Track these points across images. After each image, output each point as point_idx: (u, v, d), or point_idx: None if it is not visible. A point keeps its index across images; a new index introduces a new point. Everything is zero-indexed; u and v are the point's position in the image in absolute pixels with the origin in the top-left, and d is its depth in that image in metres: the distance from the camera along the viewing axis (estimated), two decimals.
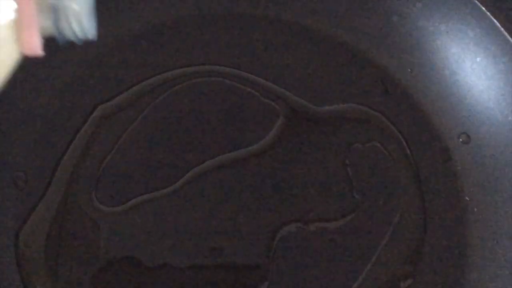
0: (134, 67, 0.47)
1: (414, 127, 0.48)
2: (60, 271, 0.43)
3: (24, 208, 0.44)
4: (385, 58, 0.49)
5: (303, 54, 0.49)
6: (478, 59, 0.48)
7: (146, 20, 0.48)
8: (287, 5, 0.49)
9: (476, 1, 0.47)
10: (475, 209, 0.46)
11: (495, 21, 0.46)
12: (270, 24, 0.49)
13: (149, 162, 0.45)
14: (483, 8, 0.47)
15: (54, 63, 0.45)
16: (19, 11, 0.28)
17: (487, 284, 0.45)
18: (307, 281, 0.44)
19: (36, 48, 0.29)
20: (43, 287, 0.43)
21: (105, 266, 0.44)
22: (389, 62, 0.49)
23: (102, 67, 0.47)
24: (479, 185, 0.47)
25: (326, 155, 0.47)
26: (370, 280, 0.44)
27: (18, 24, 0.28)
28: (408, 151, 0.48)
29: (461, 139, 0.48)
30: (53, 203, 0.44)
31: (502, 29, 0.46)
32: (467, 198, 0.47)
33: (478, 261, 0.45)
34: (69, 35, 0.29)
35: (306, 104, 0.48)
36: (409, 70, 0.49)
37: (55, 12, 0.28)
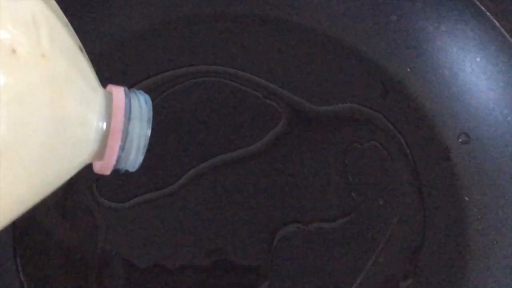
0: (134, 67, 0.47)
1: (414, 127, 0.48)
2: (57, 270, 0.43)
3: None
4: (385, 58, 0.49)
5: (303, 54, 0.49)
6: (478, 59, 0.48)
7: (146, 20, 0.48)
8: (287, 5, 0.50)
9: (476, 1, 0.47)
10: (475, 209, 0.47)
11: (495, 21, 0.46)
12: (270, 24, 0.49)
13: (149, 162, 0.45)
14: (483, 8, 0.47)
15: None
16: (111, 126, 0.29)
17: (487, 284, 0.45)
18: (307, 281, 0.44)
19: (108, 167, 0.30)
20: (42, 285, 0.43)
21: (102, 264, 0.44)
22: (389, 62, 0.49)
23: (102, 67, 0.47)
24: (479, 185, 0.47)
25: (326, 155, 0.47)
26: (370, 280, 0.44)
27: (103, 141, 0.29)
28: (408, 151, 0.48)
29: (461, 139, 0.48)
30: (53, 203, 0.44)
31: (502, 29, 0.46)
32: (467, 198, 0.47)
33: (478, 261, 0.45)
34: (125, 164, 0.31)
35: (306, 104, 0.48)
36: (409, 70, 0.49)
37: (127, 139, 0.30)
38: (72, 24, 0.48)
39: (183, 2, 0.49)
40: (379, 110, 0.48)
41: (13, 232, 0.44)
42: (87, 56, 0.29)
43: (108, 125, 0.29)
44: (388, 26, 0.49)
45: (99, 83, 0.30)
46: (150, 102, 0.32)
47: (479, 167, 0.47)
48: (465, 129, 0.48)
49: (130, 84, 0.47)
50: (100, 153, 0.29)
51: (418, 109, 0.49)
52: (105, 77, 0.47)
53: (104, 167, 0.31)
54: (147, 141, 0.31)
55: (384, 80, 0.49)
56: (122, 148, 0.30)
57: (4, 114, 0.23)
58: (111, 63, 0.47)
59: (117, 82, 0.47)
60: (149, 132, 0.31)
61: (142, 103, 0.31)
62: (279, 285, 0.44)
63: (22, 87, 0.23)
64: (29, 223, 0.44)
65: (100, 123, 0.29)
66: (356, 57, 0.49)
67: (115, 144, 0.29)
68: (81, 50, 0.28)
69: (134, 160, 0.31)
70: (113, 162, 0.30)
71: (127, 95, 0.30)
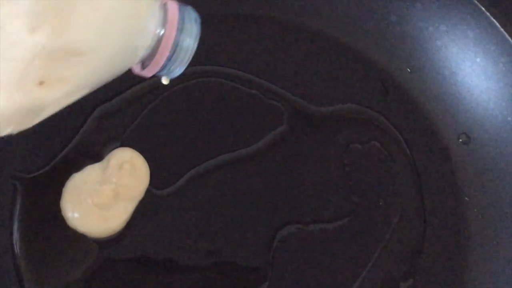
0: None
1: (414, 127, 0.48)
2: (57, 270, 0.43)
3: (22, 208, 0.44)
4: (385, 58, 0.49)
5: (303, 54, 0.49)
6: (478, 59, 0.48)
7: None
8: (287, 5, 0.50)
9: (476, 1, 0.47)
10: (475, 209, 0.47)
11: (495, 21, 0.46)
12: (270, 24, 0.49)
13: (149, 162, 0.45)
14: (483, 8, 0.47)
15: None
16: (163, 37, 0.32)
17: (487, 284, 0.45)
18: (307, 281, 0.44)
19: (152, 71, 0.34)
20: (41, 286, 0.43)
21: (103, 265, 0.44)
22: (389, 62, 0.49)
23: None
24: (479, 185, 0.47)
25: (326, 155, 0.47)
26: (370, 280, 0.44)
27: (154, 47, 0.32)
28: (408, 151, 0.48)
29: (461, 139, 0.48)
30: (53, 203, 0.44)
31: (502, 29, 0.46)
32: (467, 198, 0.47)
33: (478, 261, 0.45)
34: (172, 72, 0.34)
35: (306, 104, 0.48)
36: (409, 70, 0.49)
37: (176, 49, 0.33)
38: None
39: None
40: (379, 110, 0.48)
41: (12, 232, 0.44)
42: None
43: (162, 34, 0.32)
44: (388, 26, 0.49)
45: None
46: (199, 20, 0.35)
47: (479, 167, 0.47)
48: (465, 129, 0.48)
49: (130, 84, 0.47)
50: (150, 56, 0.33)
51: (418, 109, 0.49)
52: None
53: (149, 70, 0.33)
54: (192, 55, 0.34)
55: (384, 80, 0.49)
56: (170, 56, 0.33)
57: (104, 17, 0.28)
58: None
59: (117, 82, 0.47)
60: (195, 46, 0.34)
61: (192, 20, 0.34)
62: (279, 286, 0.44)
63: (116, 3, 0.28)
64: (29, 223, 0.44)
65: (157, 31, 0.32)
66: (356, 57, 0.49)
67: (165, 51, 0.32)
68: None
69: (177, 69, 0.34)
70: (160, 65, 0.33)
71: (180, 10, 0.33)
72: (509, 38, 0.46)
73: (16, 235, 0.44)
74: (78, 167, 0.44)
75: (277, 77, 0.48)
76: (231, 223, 0.45)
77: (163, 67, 0.33)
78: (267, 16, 0.49)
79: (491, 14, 0.46)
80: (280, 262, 0.44)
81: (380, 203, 0.46)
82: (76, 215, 0.43)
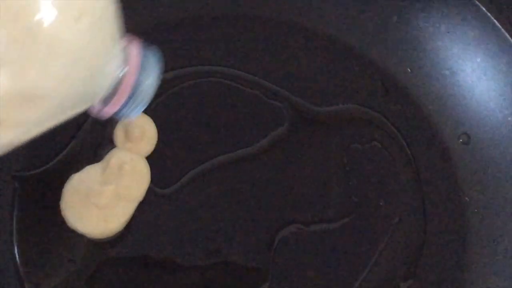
0: None
1: (414, 127, 0.48)
2: (57, 270, 0.43)
3: (22, 208, 0.44)
4: (385, 58, 0.49)
5: (303, 54, 0.49)
6: (478, 59, 0.48)
7: (146, 21, 0.48)
8: (287, 5, 0.49)
9: (476, 1, 0.47)
10: (475, 209, 0.47)
11: (495, 21, 0.46)
12: (270, 24, 0.49)
13: (149, 162, 0.45)
14: (483, 8, 0.47)
15: None
16: (125, 77, 0.32)
17: (487, 284, 0.45)
18: (307, 282, 0.44)
19: (111, 112, 0.34)
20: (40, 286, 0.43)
21: (103, 265, 0.44)
22: (389, 62, 0.49)
23: None
24: (479, 185, 0.47)
25: (326, 155, 0.47)
26: (370, 280, 0.44)
27: (115, 88, 0.32)
28: (408, 151, 0.48)
29: (461, 140, 0.48)
30: (52, 203, 0.44)
31: (502, 29, 0.46)
32: (467, 198, 0.47)
33: (478, 261, 0.45)
34: (130, 112, 0.34)
35: (306, 105, 0.48)
36: (409, 70, 0.49)
37: (137, 90, 0.33)
38: None
39: (183, 3, 0.49)
40: (379, 110, 0.48)
41: (12, 232, 0.44)
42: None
43: (123, 76, 0.32)
44: (388, 26, 0.49)
45: (121, 31, 0.33)
46: (160, 61, 0.35)
47: (479, 167, 0.47)
48: (465, 130, 0.48)
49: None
50: (110, 96, 0.33)
51: (418, 109, 0.49)
52: None
53: (107, 110, 0.34)
54: (151, 97, 0.34)
55: (384, 80, 0.49)
56: (129, 97, 0.33)
57: (63, 63, 0.28)
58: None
59: None
60: (155, 87, 0.34)
61: (154, 61, 0.34)
62: (279, 286, 0.44)
63: (79, 43, 0.28)
64: (29, 224, 0.44)
65: (118, 72, 0.32)
66: (356, 57, 0.49)
67: (125, 92, 0.33)
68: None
69: (136, 109, 0.34)
70: (119, 105, 0.33)
71: (143, 51, 0.33)
72: (509, 38, 0.46)
73: (15, 235, 0.43)
74: (78, 167, 0.44)
75: (277, 77, 0.48)
76: (232, 223, 0.45)
77: (122, 108, 0.33)
78: (267, 16, 0.49)
79: (491, 14, 0.46)
80: (280, 262, 0.44)
81: (380, 203, 0.46)
82: (75, 215, 0.43)
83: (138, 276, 0.44)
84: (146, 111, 0.46)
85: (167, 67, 0.47)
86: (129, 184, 0.44)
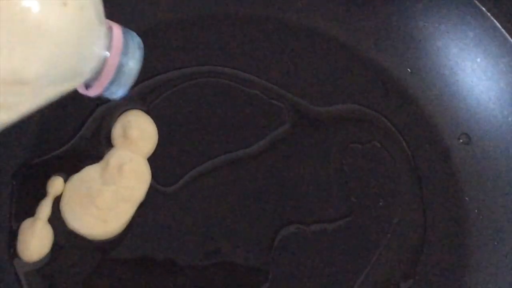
0: None
1: (414, 127, 0.48)
2: (57, 270, 0.43)
3: (21, 208, 0.44)
4: (385, 58, 0.49)
5: (303, 54, 0.49)
6: (478, 59, 0.48)
7: (146, 21, 0.48)
8: (287, 5, 0.49)
9: (476, 1, 0.47)
10: (475, 209, 0.47)
11: (495, 21, 0.46)
12: (270, 24, 0.49)
13: (150, 162, 0.45)
14: (483, 8, 0.47)
15: None
16: (108, 60, 0.34)
17: (487, 284, 0.45)
18: (307, 282, 0.44)
19: (96, 92, 0.35)
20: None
21: (103, 265, 0.44)
22: (389, 62, 0.49)
23: None
24: (479, 185, 0.47)
25: (326, 155, 0.47)
26: (370, 280, 0.44)
27: (99, 70, 0.34)
28: (408, 151, 0.48)
29: (461, 140, 0.48)
30: (52, 203, 0.44)
31: (502, 29, 0.46)
32: (467, 198, 0.47)
33: (478, 261, 0.45)
34: (115, 93, 0.35)
35: (306, 104, 0.48)
36: (409, 70, 0.49)
37: (119, 72, 0.34)
38: None
39: (183, 3, 0.49)
40: (379, 110, 0.48)
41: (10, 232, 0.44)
42: None
43: (107, 57, 0.34)
44: (388, 26, 0.49)
45: (104, 16, 0.34)
46: (142, 45, 0.36)
47: (479, 167, 0.47)
48: (465, 130, 0.48)
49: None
50: (95, 77, 0.34)
51: (418, 109, 0.49)
52: None
53: (92, 90, 0.35)
54: (135, 78, 0.36)
55: (384, 80, 0.49)
56: (113, 78, 0.34)
57: (51, 47, 0.29)
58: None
59: None
60: (138, 69, 0.36)
61: (136, 44, 0.36)
62: (279, 286, 0.44)
63: (63, 29, 0.29)
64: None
65: (102, 55, 0.33)
66: (356, 57, 0.49)
67: (109, 73, 0.34)
68: None
69: (120, 90, 0.36)
70: (103, 86, 0.35)
71: (124, 35, 0.35)
72: (509, 38, 0.46)
73: (14, 235, 0.43)
74: (77, 167, 0.44)
75: (277, 77, 0.48)
76: (232, 223, 0.45)
77: (106, 89, 0.35)
78: (267, 16, 0.49)
79: (491, 14, 0.46)
80: (280, 262, 0.44)
81: (380, 203, 0.46)
82: (75, 216, 0.43)
83: (138, 276, 0.43)
84: (146, 111, 0.46)
85: (167, 67, 0.48)
86: (130, 184, 0.44)
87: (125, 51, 0.35)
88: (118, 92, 0.36)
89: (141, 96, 0.47)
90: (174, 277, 0.44)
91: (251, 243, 0.44)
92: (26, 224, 0.43)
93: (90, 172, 0.44)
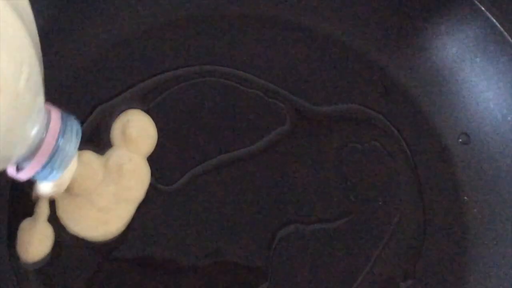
0: (134, 67, 0.47)
1: (414, 127, 0.48)
2: (57, 270, 0.43)
3: (20, 207, 0.44)
4: (385, 58, 0.49)
5: (303, 54, 0.49)
6: (478, 59, 0.48)
7: (146, 20, 0.48)
8: (287, 5, 0.49)
9: (476, 1, 0.47)
10: (475, 209, 0.47)
11: (495, 21, 0.46)
12: (270, 24, 0.49)
13: (149, 162, 0.45)
14: (483, 8, 0.47)
15: (53, 63, 0.45)
16: (44, 141, 0.33)
17: (487, 284, 0.45)
18: (306, 281, 0.44)
19: (28, 175, 0.35)
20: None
21: (103, 265, 0.44)
22: (389, 62, 0.49)
23: (102, 67, 0.47)
24: (479, 185, 0.47)
25: (326, 155, 0.47)
26: (370, 280, 0.44)
27: (33, 150, 0.33)
28: (408, 151, 0.48)
29: (461, 139, 0.48)
30: (51, 204, 0.44)
31: (502, 29, 0.46)
32: (467, 198, 0.47)
33: (478, 261, 0.45)
34: (47, 176, 0.35)
35: (306, 104, 0.48)
36: (409, 70, 0.49)
37: (56, 153, 0.34)
38: (72, 25, 0.48)
39: (183, 2, 0.49)
40: (379, 110, 0.48)
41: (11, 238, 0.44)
42: (42, 69, 0.33)
43: (42, 140, 0.33)
44: (388, 26, 0.49)
45: (43, 100, 0.33)
46: (80, 131, 0.36)
47: (479, 167, 0.47)
48: (465, 129, 0.48)
49: (130, 84, 0.47)
50: (27, 158, 0.34)
51: (418, 109, 0.49)
52: (105, 78, 0.48)
53: (24, 173, 0.34)
54: (69, 163, 0.36)
55: (384, 80, 0.49)
56: (47, 162, 0.34)
57: None
58: (111, 64, 0.47)
59: (117, 82, 0.47)
60: (74, 154, 0.36)
61: (74, 129, 0.36)
62: (279, 286, 0.44)
63: None
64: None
65: (37, 138, 0.33)
66: (356, 57, 0.49)
67: (43, 157, 0.34)
68: (41, 68, 0.32)
69: (53, 173, 0.35)
70: (36, 170, 0.34)
71: (62, 120, 0.34)
72: (509, 38, 0.46)
73: (13, 235, 0.43)
74: None
75: (277, 77, 0.48)
76: (231, 222, 0.45)
77: (39, 171, 0.34)
78: (267, 16, 0.49)
79: (491, 14, 0.46)
80: (280, 262, 0.44)
81: (380, 203, 0.46)
82: (75, 221, 0.43)
83: (138, 276, 0.44)
84: (146, 111, 0.46)
85: (167, 67, 0.48)
86: (129, 184, 0.44)
87: (62, 134, 0.34)
88: (51, 175, 0.35)
89: (141, 96, 0.47)
90: (173, 277, 0.44)
91: (251, 242, 0.44)
92: (26, 224, 0.43)
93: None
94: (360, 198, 0.46)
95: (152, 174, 0.45)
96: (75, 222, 0.43)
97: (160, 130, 0.46)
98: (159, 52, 0.48)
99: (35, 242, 0.42)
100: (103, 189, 0.43)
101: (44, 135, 0.33)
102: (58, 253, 0.43)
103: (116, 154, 0.44)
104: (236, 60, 0.48)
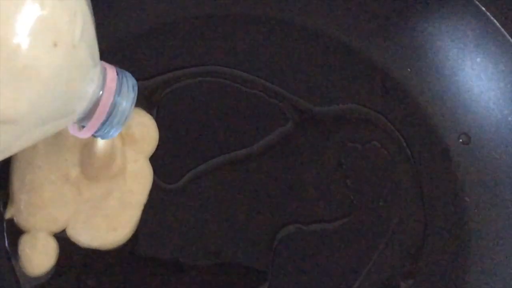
0: (134, 67, 0.47)
1: (414, 127, 0.48)
2: (57, 270, 0.43)
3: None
4: (385, 58, 0.49)
5: (303, 54, 0.49)
6: (478, 59, 0.48)
7: (146, 21, 0.48)
8: (287, 5, 0.49)
9: (476, 1, 0.47)
10: (475, 209, 0.47)
11: (495, 21, 0.46)
12: (270, 24, 0.49)
13: (150, 162, 0.45)
14: (483, 8, 0.47)
15: None
16: (101, 100, 0.34)
17: (487, 284, 0.45)
18: (307, 282, 0.44)
19: (88, 133, 0.35)
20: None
21: (104, 265, 0.44)
22: (389, 62, 0.49)
23: None
24: (479, 185, 0.47)
25: (326, 155, 0.47)
26: (370, 280, 0.44)
27: (91, 109, 0.34)
28: (408, 151, 0.48)
29: (461, 140, 0.48)
30: None
31: (502, 29, 0.46)
32: (467, 198, 0.47)
33: (478, 261, 0.45)
34: (107, 133, 0.35)
35: (306, 104, 0.48)
36: (409, 70, 0.49)
37: (112, 114, 0.34)
38: None
39: (183, 2, 0.49)
40: (379, 110, 0.48)
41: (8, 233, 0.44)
42: (94, 23, 0.33)
43: (99, 97, 0.34)
44: (388, 26, 0.49)
45: (99, 57, 0.33)
46: (136, 86, 0.36)
47: (479, 167, 0.47)
48: (465, 129, 0.48)
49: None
50: (87, 117, 0.34)
51: (418, 109, 0.49)
52: None
53: (84, 131, 0.35)
54: (127, 119, 0.36)
55: (384, 80, 0.49)
56: (106, 119, 0.34)
57: (38, 88, 0.28)
58: (111, 63, 0.47)
59: None
60: (132, 110, 0.36)
61: (130, 85, 0.35)
62: (279, 286, 0.44)
63: (53, 70, 0.28)
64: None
65: (95, 96, 0.33)
66: (356, 57, 0.49)
67: (102, 114, 0.34)
68: (93, 21, 0.32)
69: (112, 130, 0.35)
70: (96, 127, 0.34)
71: (118, 75, 0.34)
72: (509, 38, 0.46)
73: (12, 235, 0.43)
74: None
75: (277, 77, 0.48)
76: (231, 223, 0.45)
77: (99, 129, 0.35)
78: (267, 16, 0.49)
79: (491, 14, 0.46)
80: (280, 262, 0.44)
81: (380, 203, 0.46)
82: (84, 234, 0.43)
83: (138, 276, 0.44)
84: (147, 111, 0.46)
85: (167, 67, 0.48)
86: (133, 187, 0.43)
87: (118, 92, 0.34)
88: (110, 133, 0.35)
89: (142, 96, 0.47)
90: (173, 277, 0.44)
91: (251, 242, 0.44)
92: (27, 237, 0.43)
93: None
94: (360, 198, 0.46)
95: (153, 174, 0.45)
96: (85, 235, 0.43)
97: (161, 130, 0.46)
98: (159, 53, 0.48)
99: (38, 256, 0.42)
100: (108, 195, 0.43)
101: (101, 92, 0.33)
102: (58, 253, 0.43)
103: (118, 155, 0.44)
104: (236, 60, 0.48)
